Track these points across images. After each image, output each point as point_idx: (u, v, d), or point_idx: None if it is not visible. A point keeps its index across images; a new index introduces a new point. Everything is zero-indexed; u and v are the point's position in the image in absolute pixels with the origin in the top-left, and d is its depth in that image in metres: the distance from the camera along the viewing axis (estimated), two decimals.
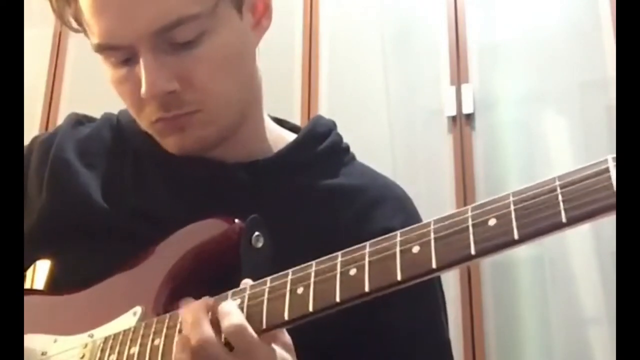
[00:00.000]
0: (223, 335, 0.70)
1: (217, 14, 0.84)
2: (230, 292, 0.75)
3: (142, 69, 0.82)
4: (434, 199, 2.32)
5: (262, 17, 0.91)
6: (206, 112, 0.86)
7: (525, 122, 2.43)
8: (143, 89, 0.82)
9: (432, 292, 0.93)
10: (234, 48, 0.87)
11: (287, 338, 0.75)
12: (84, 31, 0.89)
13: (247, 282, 0.75)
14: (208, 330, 0.70)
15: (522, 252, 2.24)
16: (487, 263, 2.26)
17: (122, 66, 0.86)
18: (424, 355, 0.89)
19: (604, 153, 0.61)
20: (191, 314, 0.72)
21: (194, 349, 0.70)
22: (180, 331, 0.74)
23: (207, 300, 0.74)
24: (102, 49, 0.85)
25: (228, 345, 0.70)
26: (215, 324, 0.71)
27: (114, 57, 0.85)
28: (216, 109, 0.87)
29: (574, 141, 2.34)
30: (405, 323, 0.88)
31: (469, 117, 2.43)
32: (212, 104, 0.86)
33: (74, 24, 0.90)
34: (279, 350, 0.72)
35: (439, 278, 0.94)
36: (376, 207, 0.92)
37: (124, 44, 0.83)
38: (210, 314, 0.72)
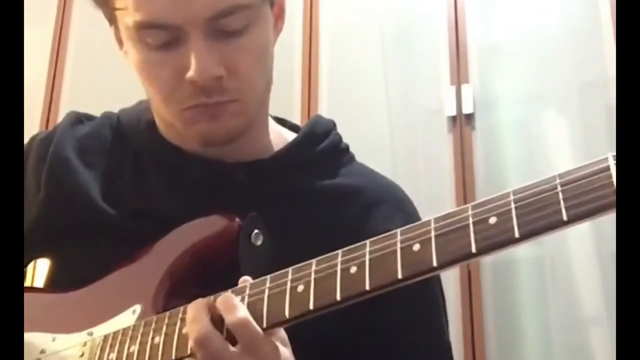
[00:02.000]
0: (226, 330, 0.70)
1: (262, 7, 0.86)
2: (229, 291, 0.74)
3: (193, 52, 0.82)
4: (434, 199, 2.32)
5: (278, 19, 0.92)
6: (242, 102, 0.86)
7: (525, 122, 2.43)
8: (193, 72, 0.82)
9: (432, 292, 0.93)
10: (268, 43, 0.89)
11: (283, 333, 0.75)
12: (110, 10, 0.86)
13: (245, 280, 0.75)
14: (207, 325, 0.70)
15: (522, 252, 2.24)
16: (487, 263, 2.26)
17: (159, 49, 0.84)
18: (424, 357, 0.89)
19: (604, 153, 0.61)
20: (191, 311, 0.72)
21: (195, 345, 0.70)
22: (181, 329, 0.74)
23: (207, 298, 0.74)
24: (146, 27, 0.83)
25: (231, 340, 0.70)
26: (218, 319, 0.71)
27: (153, 37, 0.84)
28: (250, 100, 0.87)
29: (574, 141, 2.34)
30: (405, 323, 0.88)
31: (469, 117, 2.43)
32: (248, 94, 0.87)
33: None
34: (280, 347, 0.72)
35: (439, 279, 0.94)
36: (375, 208, 0.92)
37: (174, 24, 0.82)
38: (211, 309, 0.72)
